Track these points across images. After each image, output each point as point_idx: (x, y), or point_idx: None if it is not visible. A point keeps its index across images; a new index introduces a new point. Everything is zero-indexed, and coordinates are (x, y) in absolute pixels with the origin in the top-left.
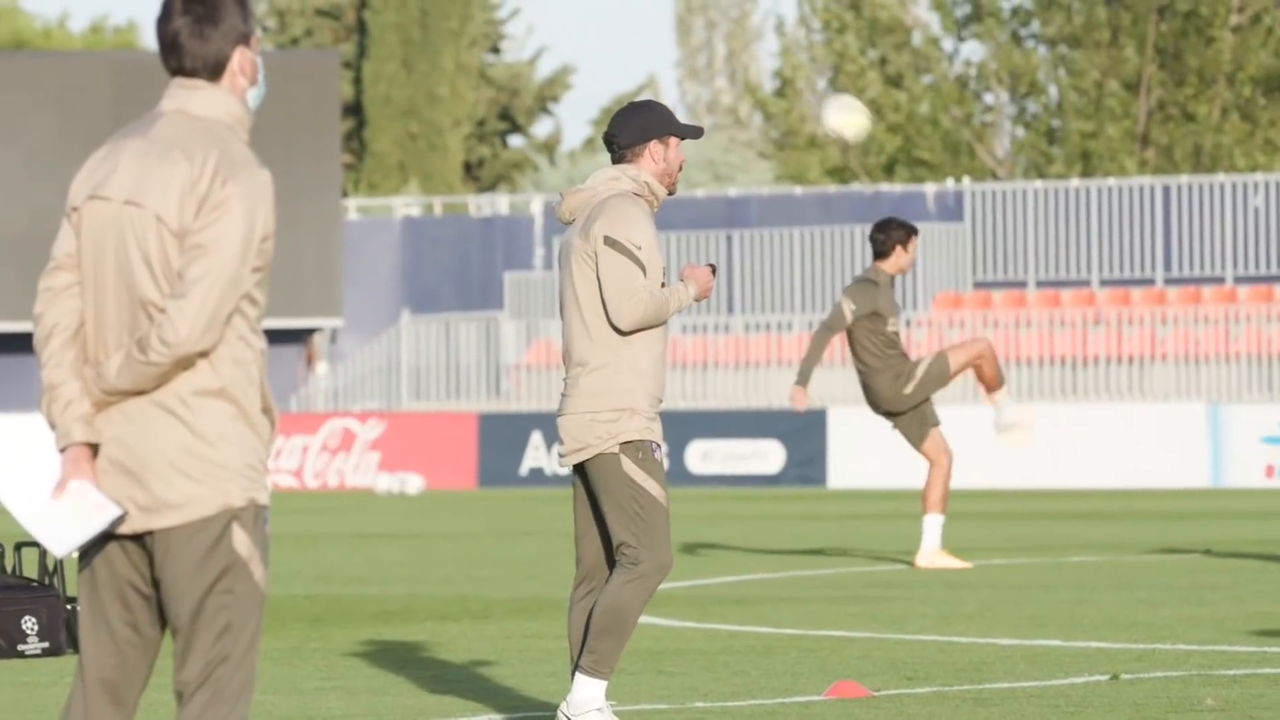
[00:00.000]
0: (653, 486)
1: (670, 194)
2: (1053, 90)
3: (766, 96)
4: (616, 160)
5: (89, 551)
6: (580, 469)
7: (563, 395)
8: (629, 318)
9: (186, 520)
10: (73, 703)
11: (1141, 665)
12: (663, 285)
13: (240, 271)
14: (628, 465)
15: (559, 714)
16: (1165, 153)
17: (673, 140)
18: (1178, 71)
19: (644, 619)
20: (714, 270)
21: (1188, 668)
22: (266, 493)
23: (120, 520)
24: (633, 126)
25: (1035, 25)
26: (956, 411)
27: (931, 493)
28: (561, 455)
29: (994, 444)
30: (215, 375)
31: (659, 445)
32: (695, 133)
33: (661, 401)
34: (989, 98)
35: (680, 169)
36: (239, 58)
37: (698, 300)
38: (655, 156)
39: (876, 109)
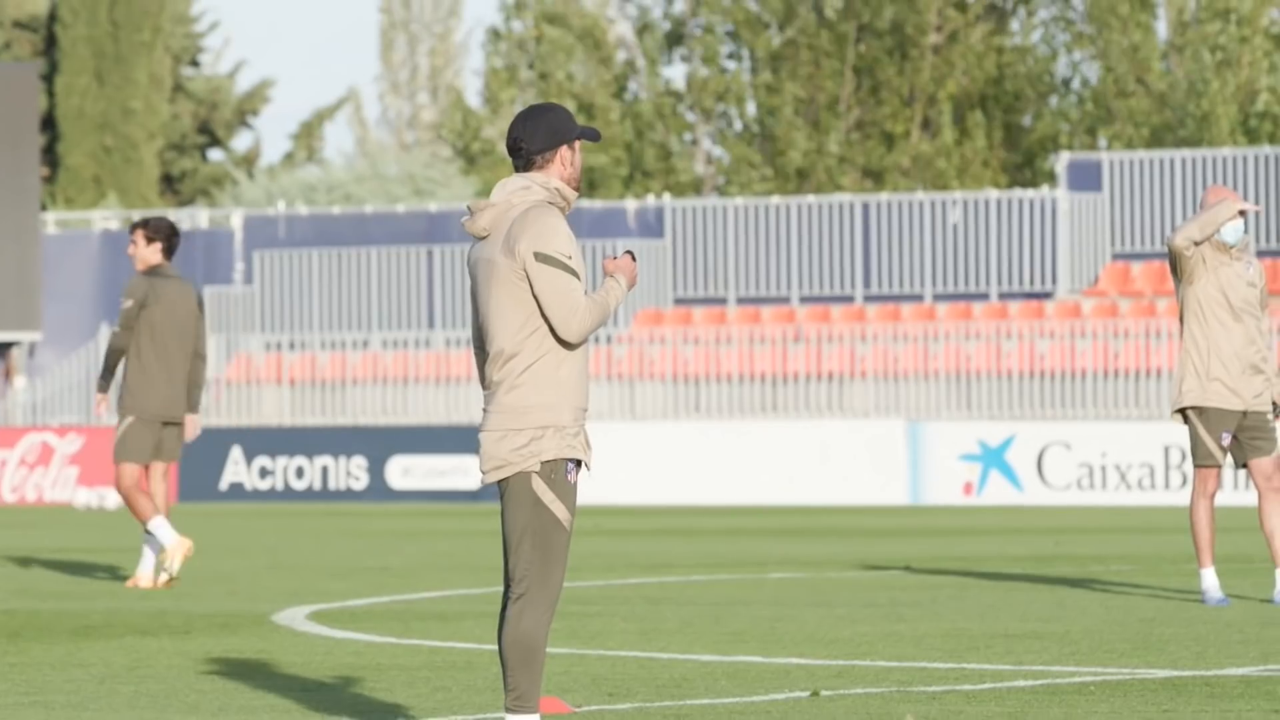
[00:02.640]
0: (559, 509)
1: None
2: (752, 109)
3: (470, 108)
4: (525, 167)
5: None
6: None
7: (484, 411)
8: (577, 329)
9: None
10: None
11: (841, 682)
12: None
13: None
14: (539, 485)
15: None
16: (866, 171)
17: (578, 144)
18: (878, 91)
19: (344, 634)
20: (633, 257)
21: (887, 684)
22: None
23: None
24: (543, 132)
25: (737, 45)
26: (658, 428)
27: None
28: (483, 473)
29: (696, 460)
30: None
31: (576, 463)
32: (595, 135)
33: (586, 411)
34: (690, 116)
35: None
36: None
37: (628, 290)
38: (565, 161)
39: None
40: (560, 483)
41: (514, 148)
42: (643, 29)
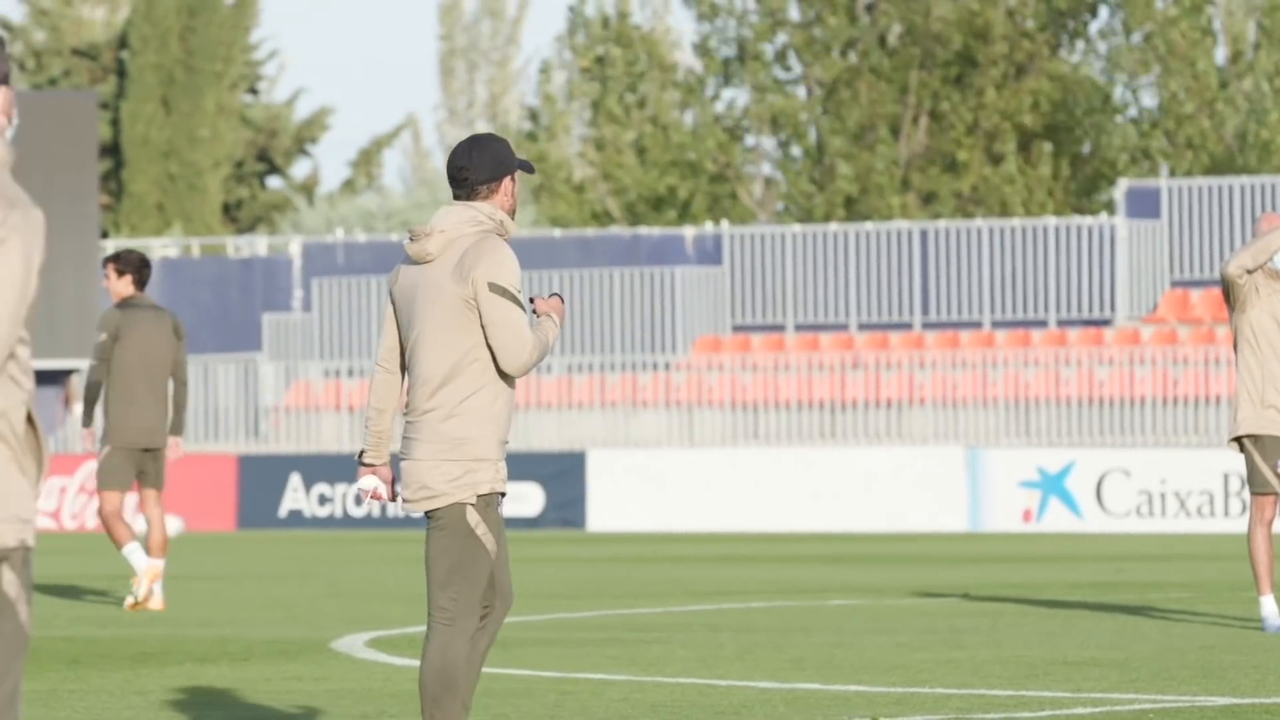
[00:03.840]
0: (489, 541)
1: None
2: (814, 134)
3: (526, 139)
4: (467, 196)
5: None
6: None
7: (410, 439)
8: (524, 363)
9: None
10: None
11: (901, 709)
12: None
13: (19, 310)
14: (473, 518)
15: None
16: (926, 197)
17: (518, 175)
18: (942, 119)
19: (403, 661)
20: (561, 299)
21: (946, 711)
22: (34, 534)
23: None
24: (489, 162)
25: (799, 69)
26: (716, 455)
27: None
28: (408, 500)
29: (755, 486)
30: None
31: (504, 494)
32: (531, 168)
33: (507, 443)
34: (750, 140)
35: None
36: (1, 97)
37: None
38: (507, 192)
39: (640, 151)
40: (492, 516)
41: (458, 177)
42: (705, 52)
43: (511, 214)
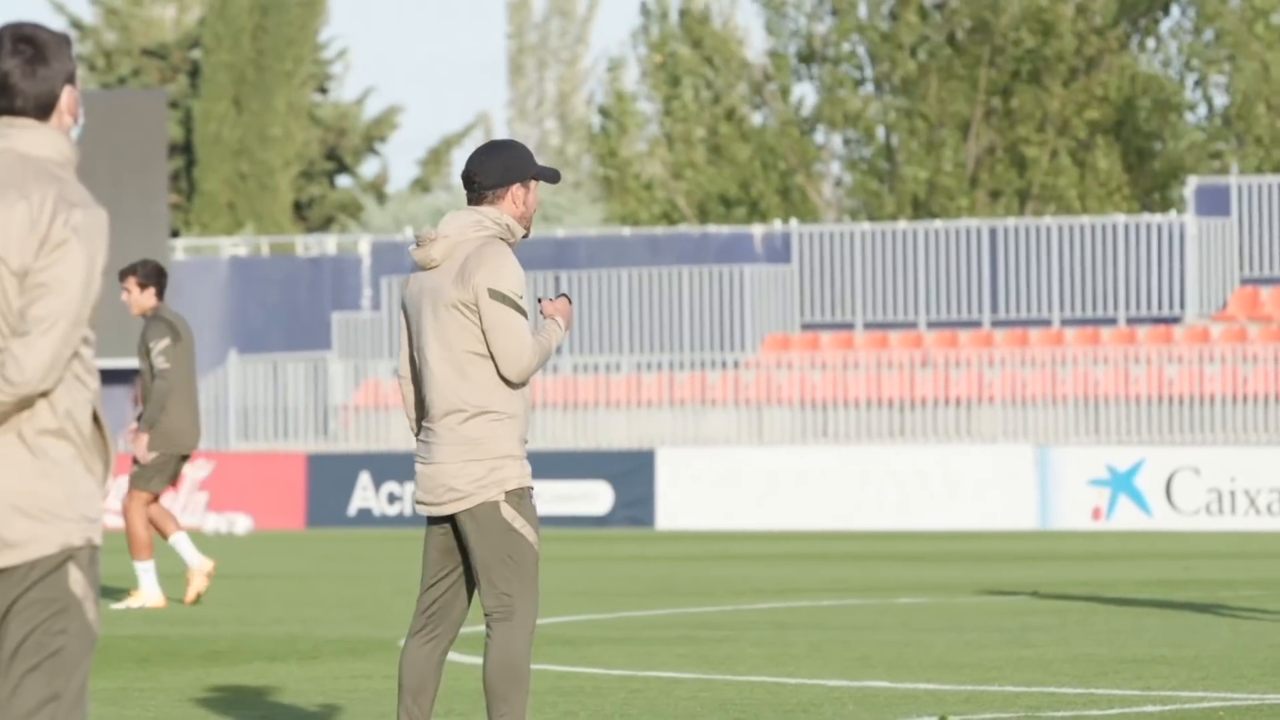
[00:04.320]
0: (529, 533)
1: (525, 236)
2: (882, 132)
3: (599, 135)
4: (476, 200)
5: None
6: (445, 518)
7: (429, 444)
8: (524, 368)
9: (25, 559)
10: None
11: (969, 707)
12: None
13: (82, 310)
14: (509, 513)
15: None
16: (994, 195)
17: (532, 183)
18: (1011, 116)
19: (471, 659)
20: (569, 300)
21: (1015, 709)
22: (100, 533)
23: None
24: (496, 167)
25: (868, 68)
26: (786, 453)
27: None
28: (430, 504)
29: (824, 484)
30: (54, 415)
31: (532, 489)
32: (553, 175)
33: (527, 441)
34: (819, 138)
35: (534, 211)
36: (66, 97)
37: (565, 331)
38: (516, 199)
39: (714, 148)
40: (527, 508)
41: (468, 181)
42: (776, 53)
43: (523, 221)
